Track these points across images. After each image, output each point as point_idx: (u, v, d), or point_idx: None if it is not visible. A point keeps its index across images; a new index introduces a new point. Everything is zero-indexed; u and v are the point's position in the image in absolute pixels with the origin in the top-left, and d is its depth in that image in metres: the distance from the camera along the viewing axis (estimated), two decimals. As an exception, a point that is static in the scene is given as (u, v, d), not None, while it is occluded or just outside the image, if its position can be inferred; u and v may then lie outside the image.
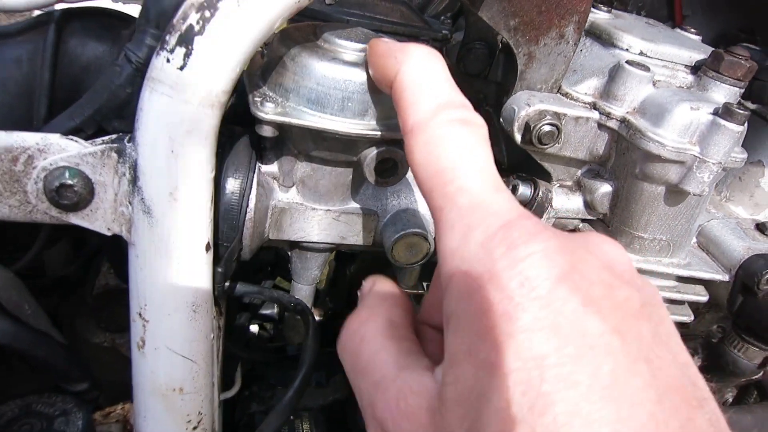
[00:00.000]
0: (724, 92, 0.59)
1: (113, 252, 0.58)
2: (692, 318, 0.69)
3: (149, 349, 0.50)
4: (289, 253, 0.67)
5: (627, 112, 0.59)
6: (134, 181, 0.46)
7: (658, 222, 0.62)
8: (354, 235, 0.63)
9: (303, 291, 0.69)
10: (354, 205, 0.62)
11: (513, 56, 0.69)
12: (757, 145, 0.74)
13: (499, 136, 0.78)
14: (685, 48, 0.62)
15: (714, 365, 0.73)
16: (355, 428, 0.86)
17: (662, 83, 0.60)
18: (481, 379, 0.29)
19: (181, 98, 0.44)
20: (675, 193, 0.60)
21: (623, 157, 0.60)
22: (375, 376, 0.36)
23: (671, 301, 0.69)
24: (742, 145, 0.76)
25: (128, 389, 0.75)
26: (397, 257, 0.62)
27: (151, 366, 0.50)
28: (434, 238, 0.64)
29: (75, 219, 0.47)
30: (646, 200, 0.60)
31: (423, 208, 0.64)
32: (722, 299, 0.69)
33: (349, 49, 0.53)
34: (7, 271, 0.52)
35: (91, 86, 0.55)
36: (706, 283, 0.69)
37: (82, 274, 0.72)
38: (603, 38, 0.63)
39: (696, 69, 0.62)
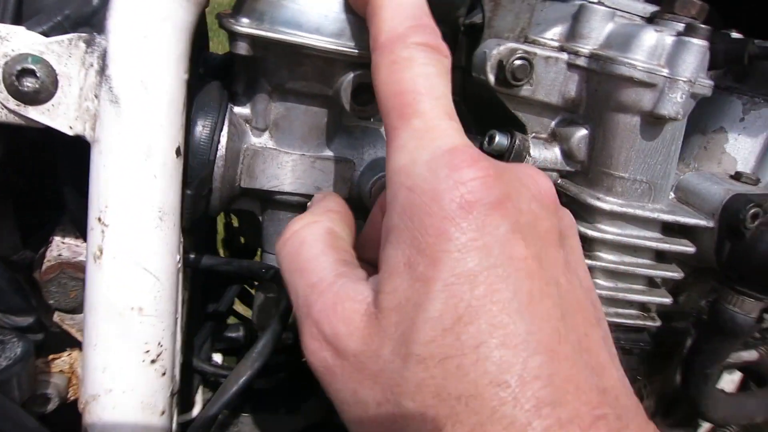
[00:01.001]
0: (681, 32, 0.62)
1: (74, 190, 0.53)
2: (682, 275, 0.67)
3: (107, 258, 0.44)
4: (260, 217, 0.64)
5: (594, 48, 0.61)
6: (102, 70, 0.44)
7: (637, 159, 0.61)
8: (330, 184, 0.60)
9: (275, 261, 0.65)
10: (330, 152, 0.60)
11: (475, 39, 0.72)
12: (717, 113, 0.77)
13: (467, 121, 0.79)
14: (638, 2, 0.66)
15: (712, 329, 0.70)
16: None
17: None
18: (417, 290, 0.32)
19: (156, -18, 0.44)
20: (651, 125, 0.60)
21: (596, 94, 0.61)
22: (312, 279, 0.38)
23: (658, 254, 0.67)
24: (704, 115, 0.79)
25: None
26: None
27: (108, 279, 0.44)
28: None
29: (35, 113, 0.44)
30: (624, 134, 0.60)
31: (401, 157, 0.62)
32: (709, 252, 0.68)
33: (322, -27, 0.55)
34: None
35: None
36: (692, 236, 0.68)
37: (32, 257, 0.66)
38: (562, -5, 0.66)
39: (651, 20, 0.65)
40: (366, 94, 0.55)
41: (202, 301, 0.83)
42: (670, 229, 0.68)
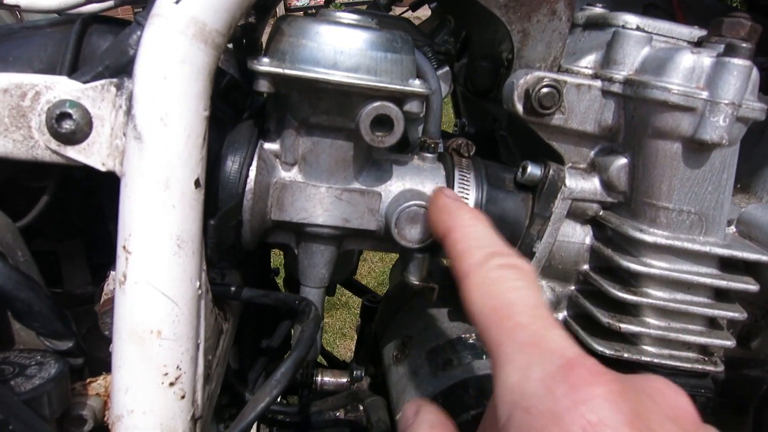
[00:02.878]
0: (729, 53, 0.58)
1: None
2: (745, 315, 0.61)
3: (130, 283, 0.47)
4: (296, 250, 0.65)
5: (629, 74, 0.58)
6: (129, 110, 0.48)
7: (682, 188, 0.57)
8: (358, 216, 0.61)
9: (311, 294, 0.66)
10: (357, 184, 0.61)
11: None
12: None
13: (514, 155, 0.78)
14: (684, 26, 0.62)
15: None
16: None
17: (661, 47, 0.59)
18: None
19: (176, 29, 0.48)
20: (694, 151, 0.56)
21: (632, 121, 0.58)
22: None
23: (719, 292, 0.61)
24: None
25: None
26: (402, 234, 0.59)
27: (130, 303, 0.47)
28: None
29: (72, 153, 0.49)
30: (665, 162, 0.57)
31: (428, 190, 0.62)
32: (778, 292, 0.61)
33: (343, 17, 0.57)
34: (5, 216, 0.52)
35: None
36: (756, 274, 0.61)
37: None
38: (599, 23, 0.64)
39: (699, 44, 0.61)
40: (384, 125, 0.56)
41: (255, 337, 0.86)
42: (731, 266, 0.62)
